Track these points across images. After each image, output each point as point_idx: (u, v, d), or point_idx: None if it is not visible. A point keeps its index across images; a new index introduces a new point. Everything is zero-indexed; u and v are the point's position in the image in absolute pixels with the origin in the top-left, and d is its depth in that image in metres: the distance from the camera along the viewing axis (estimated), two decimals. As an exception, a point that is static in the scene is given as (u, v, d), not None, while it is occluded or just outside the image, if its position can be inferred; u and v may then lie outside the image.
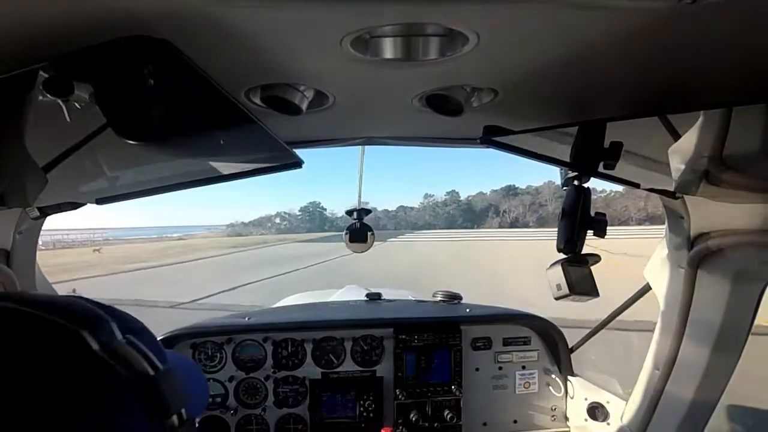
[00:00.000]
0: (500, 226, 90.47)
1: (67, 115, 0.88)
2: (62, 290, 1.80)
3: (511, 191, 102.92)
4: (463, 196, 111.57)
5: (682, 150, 1.12)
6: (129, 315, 0.72)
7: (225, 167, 1.61)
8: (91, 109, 0.87)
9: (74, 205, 1.61)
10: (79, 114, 0.90)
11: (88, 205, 1.68)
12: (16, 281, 1.50)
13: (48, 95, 0.81)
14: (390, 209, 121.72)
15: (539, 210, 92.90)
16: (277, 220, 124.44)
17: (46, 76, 0.79)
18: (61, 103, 0.84)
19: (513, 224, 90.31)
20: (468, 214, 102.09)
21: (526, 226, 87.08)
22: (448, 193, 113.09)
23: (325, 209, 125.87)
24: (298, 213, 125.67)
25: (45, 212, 1.55)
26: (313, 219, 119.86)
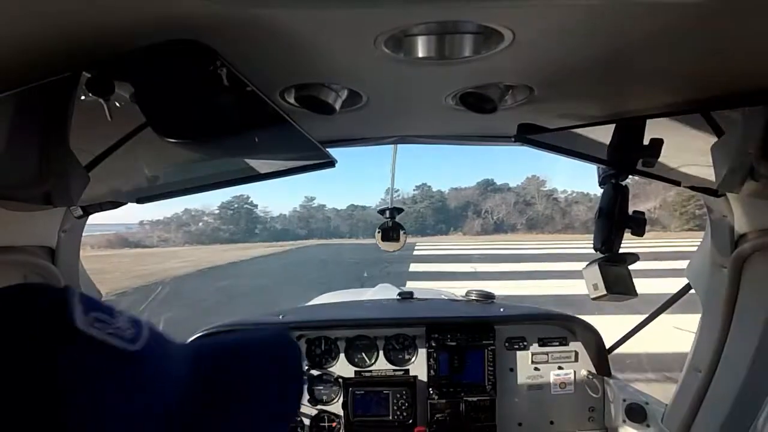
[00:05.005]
0: (483, 230, 74.43)
1: (109, 115, 0.91)
2: None
3: (489, 186, 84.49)
4: (435, 191, 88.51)
5: (726, 147, 1.08)
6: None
7: (260, 166, 1.64)
8: (132, 110, 0.89)
9: (115, 204, 1.66)
10: (119, 114, 0.93)
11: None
12: (61, 279, 1.55)
13: (90, 95, 0.84)
14: (339, 208, 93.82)
15: (527, 210, 75.83)
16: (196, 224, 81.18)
17: (89, 77, 0.82)
18: (102, 102, 0.87)
19: (498, 227, 74.96)
20: (441, 214, 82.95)
21: (514, 229, 72.77)
22: (417, 187, 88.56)
23: (256, 206, 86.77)
24: (217, 210, 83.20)
25: (87, 211, 1.60)
26: (238, 220, 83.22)
